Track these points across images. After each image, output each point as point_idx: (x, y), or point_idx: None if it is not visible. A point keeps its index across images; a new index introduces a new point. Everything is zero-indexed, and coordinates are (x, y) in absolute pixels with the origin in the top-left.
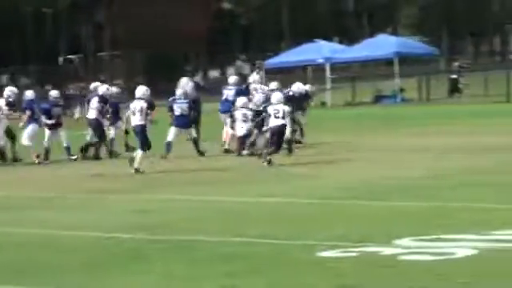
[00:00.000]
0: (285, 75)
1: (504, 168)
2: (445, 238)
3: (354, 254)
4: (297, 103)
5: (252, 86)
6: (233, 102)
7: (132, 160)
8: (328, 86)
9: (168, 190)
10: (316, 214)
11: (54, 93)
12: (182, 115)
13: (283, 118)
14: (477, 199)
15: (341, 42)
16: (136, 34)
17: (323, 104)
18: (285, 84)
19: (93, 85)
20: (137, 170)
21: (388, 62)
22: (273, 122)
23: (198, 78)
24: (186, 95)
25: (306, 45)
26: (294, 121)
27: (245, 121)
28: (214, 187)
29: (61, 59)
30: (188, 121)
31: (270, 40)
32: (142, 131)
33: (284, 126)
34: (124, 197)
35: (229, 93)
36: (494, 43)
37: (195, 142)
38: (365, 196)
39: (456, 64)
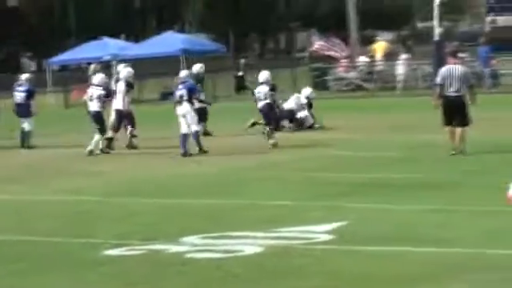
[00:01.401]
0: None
1: (291, 165)
2: (232, 236)
3: (139, 252)
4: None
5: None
6: None
7: None
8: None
9: None
10: (100, 211)
11: None
12: None
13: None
14: (264, 196)
15: (128, 40)
16: None
17: None
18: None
19: None
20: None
21: (176, 59)
22: None
23: None
24: None
25: (91, 42)
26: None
27: None
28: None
29: None
30: None
31: (57, 38)
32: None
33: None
34: None
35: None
36: (279, 41)
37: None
38: (150, 193)
39: (242, 61)
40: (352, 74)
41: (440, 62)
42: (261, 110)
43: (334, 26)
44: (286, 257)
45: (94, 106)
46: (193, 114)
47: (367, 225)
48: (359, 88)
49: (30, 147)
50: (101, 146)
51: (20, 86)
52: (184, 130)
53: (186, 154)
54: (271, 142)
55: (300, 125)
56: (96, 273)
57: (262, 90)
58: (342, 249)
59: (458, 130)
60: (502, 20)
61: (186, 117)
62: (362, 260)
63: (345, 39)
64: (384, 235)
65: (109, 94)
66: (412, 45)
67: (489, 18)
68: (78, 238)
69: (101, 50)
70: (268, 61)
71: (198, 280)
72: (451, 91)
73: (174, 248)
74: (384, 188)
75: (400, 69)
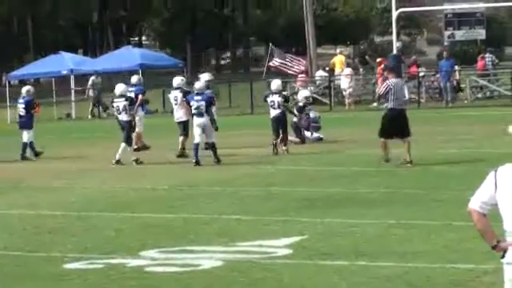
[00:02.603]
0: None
1: (250, 179)
2: (191, 250)
3: (99, 266)
4: None
5: None
6: None
7: None
8: (73, 97)
9: None
10: (61, 225)
11: None
12: None
13: None
14: (223, 211)
15: (85, 54)
16: None
17: (68, 115)
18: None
19: None
20: None
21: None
22: None
23: None
24: None
25: (49, 57)
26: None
27: None
28: None
29: None
30: None
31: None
32: None
33: None
34: None
35: None
36: (237, 56)
37: None
38: (110, 208)
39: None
40: (309, 89)
41: (398, 76)
42: (274, 120)
43: (292, 40)
44: (245, 271)
45: (123, 117)
46: (209, 125)
47: (327, 239)
48: (316, 102)
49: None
50: (133, 158)
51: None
52: (197, 139)
53: (198, 163)
54: (284, 148)
55: None
56: (55, 287)
57: (275, 100)
58: (301, 263)
59: (405, 141)
60: (460, 34)
61: (203, 128)
62: (321, 275)
63: (302, 54)
64: (344, 250)
65: (132, 102)
66: (370, 59)
67: (447, 33)
68: (37, 252)
69: (59, 65)
70: (225, 75)
71: None
72: (395, 104)
73: (133, 262)
74: (344, 202)
75: (343, 83)
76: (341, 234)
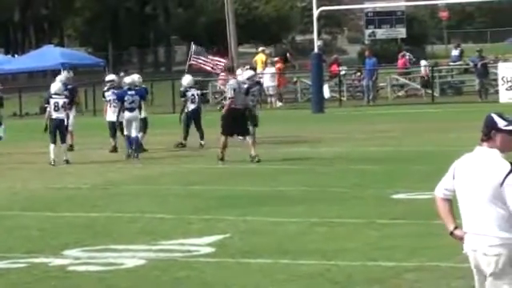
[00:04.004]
0: None
1: (172, 178)
2: (114, 249)
3: (22, 265)
4: None
5: None
6: None
7: None
8: None
9: None
10: None
11: None
12: None
13: None
14: (146, 209)
15: (7, 53)
16: None
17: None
18: None
19: None
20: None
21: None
22: None
23: None
24: None
25: None
26: None
27: None
28: None
29: None
30: None
31: None
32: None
33: None
34: None
35: None
36: (158, 54)
37: None
38: (33, 207)
39: (122, 74)
40: None
41: (319, 75)
42: (192, 113)
43: (214, 39)
44: (167, 269)
45: (60, 114)
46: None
47: (249, 237)
48: None
49: None
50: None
51: None
52: (128, 132)
53: (129, 155)
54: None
55: None
56: None
57: (195, 93)
58: (223, 261)
59: (249, 139)
60: (381, 33)
61: (132, 122)
62: (244, 273)
63: (222, 53)
64: (267, 248)
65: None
66: (291, 58)
67: (368, 31)
68: None
69: None
70: (147, 74)
71: None
72: (238, 103)
73: (56, 261)
74: (266, 201)
75: (266, 82)
76: (263, 233)
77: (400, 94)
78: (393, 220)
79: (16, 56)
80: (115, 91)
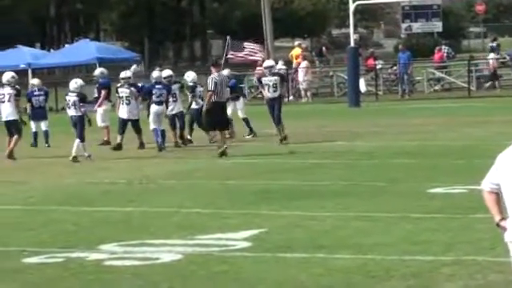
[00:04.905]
0: None
1: (208, 173)
2: (150, 243)
3: (59, 260)
4: None
5: None
6: None
7: None
8: None
9: None
10: (19, 220)
11: None
12: None
13: None
14: (182, 204)
15: (43, 48)
16: None
17: (26, 110)
18: None
19: None
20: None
21: (91, 68)
22: None
23: None
24: None
25: (7, 51)
26: None
27: None
28: None
29: None
30: None
31: None
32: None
33: None
34: None
35: None
36: (194, 48)
37: None
38: (69, 201)
39: (157, 69)
40: None
41: (355, 69)
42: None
43: (250, 33)
44: (204, 264)
45: (72, 112)
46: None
47: (286, 232)
48: None
49: None
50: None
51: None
52: (153, 126)
53: (161, 148)
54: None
55: None
56: (14, 281)
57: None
58: (260, 256)
59: (225, 132)
60: (417, 27)
61: (160, 116)
62: (281, 267)
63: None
64: (303, 242)
65: (83, 99)
66: (327, 52)
67: (404, 25)
68: None
69: (16, 59)
70: (183, 68)
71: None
72: (221, 97)
73: (93, 255)
74: (303, 195)
75: (300, 76)
76: (299, 227)
77: (436, 87)
78: (429, 214)
79: (51, 51)
80: (141, 85)
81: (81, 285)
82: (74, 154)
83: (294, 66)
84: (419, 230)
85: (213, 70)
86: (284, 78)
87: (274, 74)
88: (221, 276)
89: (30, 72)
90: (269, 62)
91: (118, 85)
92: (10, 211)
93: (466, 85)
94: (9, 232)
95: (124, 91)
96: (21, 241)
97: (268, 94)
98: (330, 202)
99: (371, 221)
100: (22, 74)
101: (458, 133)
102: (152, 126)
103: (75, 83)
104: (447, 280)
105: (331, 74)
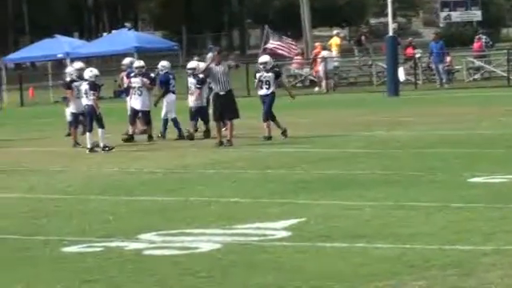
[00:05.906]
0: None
1: (246, 162)
2: (189, 233)
3: (98, 249)
4: None
5: None
6: None
7: None
8: None
9: None
10: (58, 209)
11: None
12: None
13: None
14: (220, 193)
15: (81, 38)
16: None
17: (64, 99)
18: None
19: None
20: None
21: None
22: None
23: None
24: None
25: (46, 40)
26: None
27: None
28: None
29: None
30: None
31: (11, 36)
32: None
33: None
34: None
35: None
36: (233, 38)
37: None
38: (107, 191)
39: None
40: (306, 71)
41: (394, 58)
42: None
43: (288, 22)
44: (243, 253)
45: (85, 101)
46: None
47: (325, 221)
48: (313, 84)
49: None
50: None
51: None
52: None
53: (180, 136)
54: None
55: None
56: (54, 270)
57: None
58: (299, 245)
59: (229, 123)
60: (456, 15)
61: (175, 104)
62: (320, 257)
63: (297, 37)
64: (343, 232)
65: (94, 87)
66: (366, 41)
67: (443, 14)
68: (35, 235)
69: (55, 48)
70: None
71: (156, 277)
72: (220, 88)
73: (131, 245)
74: (342, 184)
75: (322, 66)
76: (339, 216)
77: (476, 76)
78: (469, 203)
79: (90, 40)
80: (154, 75)
81: (121, 274)
82: (101, 144)
83: (333, 54)
84: (459, 220)
85: (215, 59)
86: (278, 76)
87: (268, 71)
88: (260, 265)
89: (68, 62)
90: (264, 58)
91: (132, 74)
92: (49, 200)
93: (505, 74)
94: (48, 221)
95: (136, 81)
96: (60, 230)
97: (261, 90)
98: (370, 191)
99: (411, 210)
100: (59, 63)
101: (498, 122)
102: (173, 115)
103: (90, 71)
104: (487, 270)
105: (370, 63)
